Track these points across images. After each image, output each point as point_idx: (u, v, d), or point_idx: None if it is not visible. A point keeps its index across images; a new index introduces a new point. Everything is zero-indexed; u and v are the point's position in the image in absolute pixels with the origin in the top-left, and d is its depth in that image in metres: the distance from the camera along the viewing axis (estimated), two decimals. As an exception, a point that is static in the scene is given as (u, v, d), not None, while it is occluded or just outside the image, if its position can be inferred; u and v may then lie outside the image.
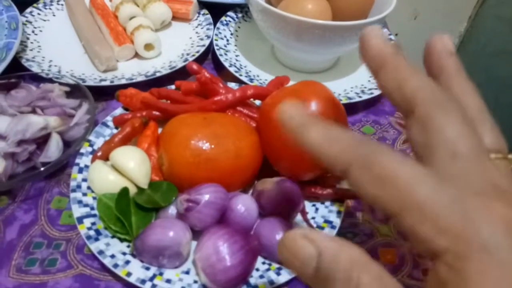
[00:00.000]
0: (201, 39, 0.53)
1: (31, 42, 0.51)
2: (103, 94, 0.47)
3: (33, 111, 0.39)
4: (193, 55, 0.49)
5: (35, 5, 0.55)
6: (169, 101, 0.42)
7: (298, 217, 0.34)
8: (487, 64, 1.09)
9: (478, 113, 0.20)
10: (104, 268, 0.33)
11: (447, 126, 0.17)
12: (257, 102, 0.43)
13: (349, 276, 0.15)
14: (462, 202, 0.15)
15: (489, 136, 0.20)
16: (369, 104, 0.50)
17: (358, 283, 0.15)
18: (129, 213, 0.33)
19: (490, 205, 0.15)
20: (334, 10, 0.48)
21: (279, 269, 0.31)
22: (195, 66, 0.40)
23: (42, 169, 0.35)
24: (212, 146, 0.33)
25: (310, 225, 0.34)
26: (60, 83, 0.42)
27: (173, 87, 0.44)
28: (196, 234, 0.32)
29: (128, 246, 0.32)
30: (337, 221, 0.34)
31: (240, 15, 0.58)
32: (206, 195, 0.31)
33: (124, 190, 0.33)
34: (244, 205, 0.33)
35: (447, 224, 0.15)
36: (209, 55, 0.55)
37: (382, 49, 0.20)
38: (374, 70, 0.21)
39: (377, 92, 0.48)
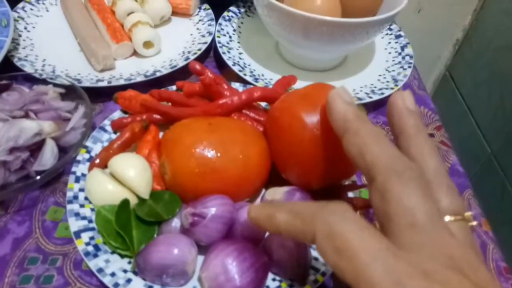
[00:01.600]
0: (203, 36, 0.50)
1: (24, 40, 0.48)
2: (100, 95, 0.44)
3: (26, 115, 0.37)
4: (195, 53, 0.47)
5: (27, -1, 0.52)
6: (170, 103, 0.39)
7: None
8: (492, 58, 1.07)
9: (435, 175, 0.21)
10: (103, 285, 0.31)
11: (404, 196, 0.18)
12: (263, 103, 0.41)
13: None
14: (408, 284, 0.16)
15: (446, 199, 0.20)
16: (379, 105, 0.48)
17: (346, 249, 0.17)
18: (130, 227, 0.30)
19: (432, 285, 0.16)
20: (343, 7, 0.45)
21: (291, 286, 0.29)
22: (198, 66, 0.38)
23: (37, 178, 0.33)
24: (219, 154, 0.31)
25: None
26: (55, 85, 0.40)
27: (174, 87, 0.41)
28: (202, 248, 0.30)
29: (129, 263, 0.30)
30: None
31: (242, 10, 0.56)
32: (213, 208, 0.29)
33: (124, 203, 0.31)
34: (252, 217, 0.30)
35: None
36: (210, 53, 0.53)
37: (346, 113, 0.22)
38: (339, 134, 0.22)
39: (388, 92, 0.45)
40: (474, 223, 0.21)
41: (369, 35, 0.45)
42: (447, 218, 0.20)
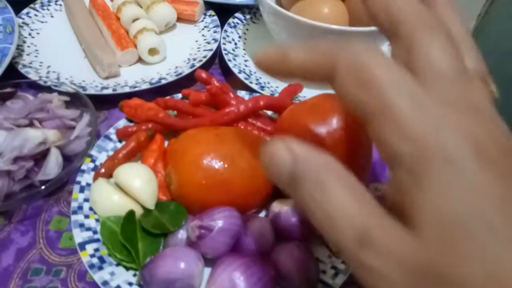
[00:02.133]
0: (208, 43, 0.50)
1: (28, 46, 0.48)
2: (105, 102, 0.44)
3: (31, 124, 0.36)
4: (200, 60, 0.46)
5: (32, 5, 0.52)
6: (175, 112, 0.39)
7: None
8: (497, 63, 1.06)
9: (464, 36, 0.20)
10: (108, 297, 0.30)
11: (431, 47, 0.17)
12: (269, 112, 0.40)
13: (318, 177, 0.16)
14: (434, 113, 0.15)
15: (475, 60, 0.19)
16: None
17: (324, 182, 0.16)
18: (135, 239, 0.30)
19: (462, 120, 0.15)
20: (350, 15, 0.45)
21: (299, 300, 0.29)
22: (204, 75, 0.38)
23: (41, 188, 0.33)
24: (226, 166, 0.30)
25: (330, 249, 0.32)
26: (59, 92, 0.39)
27: (179, 95, 0.41)
28: (208, 260, 0.29)
29: (135, 275, 0.30)
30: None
31: (248, 16, 0.55)
32: (220, 221, 0.29)
33: (130, 214, 0.31)
34: (259, 230, 0.30)
35: (414, 130, 0.15)
36: (216, 59, 0.52)
37: None
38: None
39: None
40: (493, 87, 0.20)
41: (377, 44, 0.44)
42: (472, 77, 0.18)
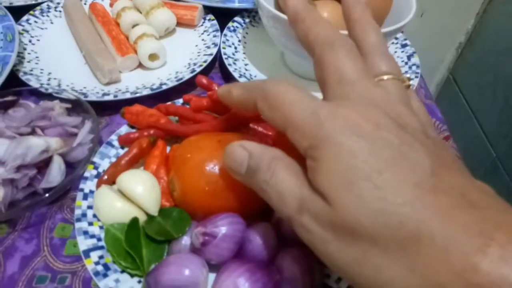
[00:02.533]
0: (208, 47, 0.50)
1: (28, 53, 0.48)
2: (106, 108, 0.44)
3: (33, 132, 0.37)
4: (201, 65, 0.47)
5: (31, 12, 0.52)
6: (177, 117, 0.39)
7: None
8: (496, 62, 1.06)
9: (373, 47, 0.24)
10: (113, 304, 0.30)
11: (334, 59, 0.22)
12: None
13: (268, 166, 0.22)
14: (324, 114, 0.20)
15: (381, 62, 0.23)
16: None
17: (274, 169, 0.21)
18: (139, 246, 0.30)
19: (347, 112, 0.20)
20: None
21: (303, 305, 0.29)
22: (204, 81, 0.38)
23: (45, 196, 0.33)
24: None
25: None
26: (61, 99, 0.40)
27: (180, 100, 0.41)
28: (212, 266, 0.30)
29: (139, 282, 0.30)
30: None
31: (247, 20, 0.55)
32: (223, 227, 0.29)
33: (134, 221, 0.31)
34: (262, 235, 0.30)
35: (309, 131, 0.20)
36: (216, 64, 0.53)
37: (295, 4, 0.25)
38: (292, 25, 0.26)
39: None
40: (409, 83, 0.24)
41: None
42: (380, 77, 0.23)
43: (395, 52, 0.53)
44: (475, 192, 0.18)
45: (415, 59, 0.51)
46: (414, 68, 0.50)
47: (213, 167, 0.30)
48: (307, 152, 0.20)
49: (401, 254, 0.17)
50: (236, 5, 0.53)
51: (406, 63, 0.51)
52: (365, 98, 0.21)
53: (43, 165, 0.35)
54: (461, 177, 0.19)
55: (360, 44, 0.25)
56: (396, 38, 0.55)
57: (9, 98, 0.39)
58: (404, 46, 0.54)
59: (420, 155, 0.19)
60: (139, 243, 0.30)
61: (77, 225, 0.32)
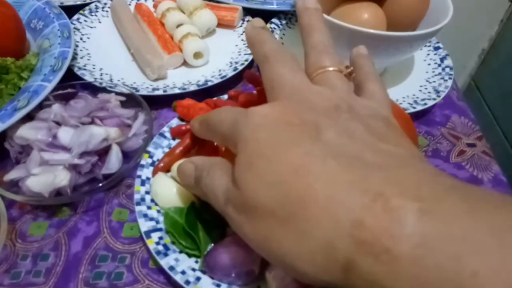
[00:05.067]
0: (248, 47, 0.52)
1: (80, 50, 0.51)
2: (154, 102, 0.46)
3: (92, 122, 0.39)
4: (242, 64, 0.49)
5: (81, 11, 0.55)
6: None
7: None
8: (520, 68, 1.07)
9: (313, 45, 0.26)
10: (170, 282, 0.33)
11: (269, 71, 0.24)
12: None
13: (208, 171, 0.24)
14: (238, 119, 0.22)
15: (322, 58, 0.25)
16: (420, 115, 0.49)
17: (211, 172, 0.24)
18: (197, 228, 0.32)
19: (261, 111, 0.22)
20: (388, 21, 0.47)
21: None
22: (253, 76, 0.40)
23: (105, 182, 0.35)
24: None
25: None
26: (116, 93, 0.42)
27: (225, 96, 0.44)
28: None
29: (196, 262, 0.32)
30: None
31: (284, 21, 0.58)
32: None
33: (193, 205, 0.33)
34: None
35: (231, 136, 0.23)
36: (254, 63, 0.55)
37: (249, 29, 0.28)
38: (249, 47, 0.28)
39: (430, 103, 0.47)
40: (350, 69, 0.26)
41: (412, 48, 0.46)
42: (319, 71, 0.25)
43: (428, 54, 0.55)
44: (373, 153, 0.19)
45: (448, 61, 0.53)
46: (447, 70, 0.51)
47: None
48: (235, 154, 0.22)
49: (292, 222, 0.18)
50: (275, 7, 0.56)
51: (439, 65, 0.53)
52: (291, 97, 0.22)
53: (102, 153, 0.38)
54: (368, 143, 0.20)
55: (304, 45, 0.27)
56: (429, 41, 0.56)
57: (70, 90, 0.42)
58: (436, 49, 0.55)
59: (319, 127, 0.20)
60: (197, 225, 0.33)
61: (137, 208, 0.34)
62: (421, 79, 0.51)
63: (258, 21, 0.28)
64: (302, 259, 0.18)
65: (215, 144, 0.36)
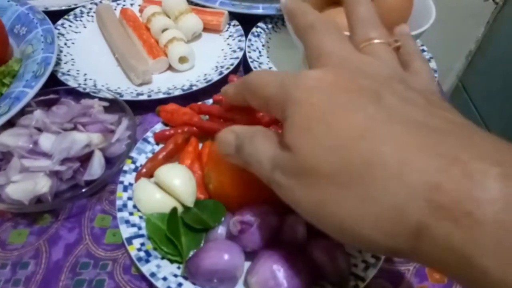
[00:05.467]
0: (234, 51, 0.52)
1: (65, 55, 0.50)
2: (138, 107, 0.46)
3: (75, 128, 0.39)
4: (228, 68, 0.49)
5: (66, 16, 0.55)
6: (207, 116, 0.41)
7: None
8: (505, 70, 1.08)
9: (361, 16, 0.26)
10: (153, 289, 0.32)
11: (315, 38, 0.24)
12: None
13: (250, 139, 0.24)
14: (286, 81, 0.22)
15: (369, 30, 0.25)
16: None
17: (254, 141, 0.24)
18: (179, 234, 0.32)
19: (312, 75, 0.21)
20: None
21: (333, 291, 0.31)
22: (236, 80, 0.40)
23: (86, 188, 0.35)
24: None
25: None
26: (99, 98, 0.42)
27: (210, 100, 0.43)
28: (247, 254, 0.31)
29: (178, 268, 0.32)
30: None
31: (270, 25, 0.58)
32: (259, 216, 0.31)
33: (174, 211, 0.33)
34: (294, 225, 0.32)
35: (278, 99, 0.22)
36: (240, 67, 0.55)
37: (290, 3, 0.27)
38: (288, 20, 0.28)
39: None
40: (398, 44, 0.26)
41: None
42: (366, 43, 0.25)
43: (413, 57, 0.55)
44: (439, 120, 0.18)
45: (432, 64, 0.53)
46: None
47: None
48: (282, 118, 0.22)
49: (355, 185, 0.17)
50: (260, 11, 0.56)
51: (424, 68, 0.53)
52: (342, 64, 0.22)
53: (84, 159, 0.37)
54: (430, 110, 0.19)
55: (349, 18, 0.27)
56: (414, 44, 0.57)
57: (52, 96, 0.41)
58: (421, 51, 0.56)
59: (379, 93, 0.19)
60: (179, 231, 0.32)
61: (119, 214, 0.34)
62: (406, 81, 0.52)
63: None
64: (365, 223, 0.17)
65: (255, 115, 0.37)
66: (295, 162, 0.20)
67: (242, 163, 0.25)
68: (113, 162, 0.38)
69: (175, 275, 0.31)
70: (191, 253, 0.32)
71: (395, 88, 0.20)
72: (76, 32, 0.54)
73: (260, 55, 0.53)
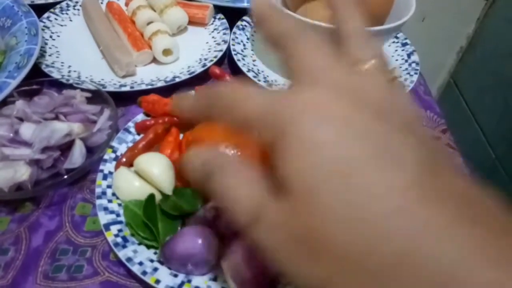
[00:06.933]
0: (218, 44, 0.53)
1: (50, 48, 0.51)
2: (122, 99, 0.47)
3: (56, 118, 0.39)
4: (211, 60, 0.49)
5: (52, 10, 0.55)
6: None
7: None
8: (496, 66, 1.09)
9: (354, 31, 0.21)
10: (130, 274, 0.33)
11: (302, 50, 0.19)
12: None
13: (221, 167, 0.19)
14: (272, 102, 0.17)
15: (364, 49, 0.20)
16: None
17: (224, 169, 0.19)
18: (156, 220, 0.33)
19: (309, 97, 0.17)
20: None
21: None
22: (217, 71, 0.41)
23: (66, 176, 0.36)
24: (239, 153, 0.33)
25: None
26: (82, 89, 0.42)
27: (192, 92, 0.44)
28: (222, 240, 0.32)
29: (155, 253, 0.32)
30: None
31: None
32: (234, 202, 0.31)
33: (151, 197, 0.33)
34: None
35: (267, 123, 0.17)
36: (225, 60, 0.55)
37: (261, 3, 0.22)
38: (257, 24, 0.22)
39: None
40: (395, 75, 0.22)
41: (379, 42, 0.47)
42: (360, 65, 0.20)
43: (396, 50, 0.56)
44: (476, 202, 0.15)
45: (414, 57, 0.54)
46: (413, 65, 0.53)
47: (225, 149, 0.33)
48: (272, 144, 0.16)
49: (385, 278, 0.13)
50: (245, 4, 0.56)
51: (406, 61, 0.54)
52: (337, 84, 0.18)
53: (65, 148, 0.38)
54: (457, 181, 0.15)
55: (340, 29, 0.22)
56: (397, 38, 0.57)
57: (34, 87, 0.42)
58: (404, 45, 0.56)
59: (406, 149, 0.15)
60: (156, 217, 0.33)
61: (98, 201, 0.35)
62: (388, 74, 0.52)
63: None
64: None
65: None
66: (296, 223, 0.15)
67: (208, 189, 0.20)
68: (94, 152, 0.39)
69: (151, 260, 0.32)
70: (168, 238, 0.33)
71: (409, 143, 0.16)
72: (61, 25, 0.55)
73: (245, 48, 0.53)
